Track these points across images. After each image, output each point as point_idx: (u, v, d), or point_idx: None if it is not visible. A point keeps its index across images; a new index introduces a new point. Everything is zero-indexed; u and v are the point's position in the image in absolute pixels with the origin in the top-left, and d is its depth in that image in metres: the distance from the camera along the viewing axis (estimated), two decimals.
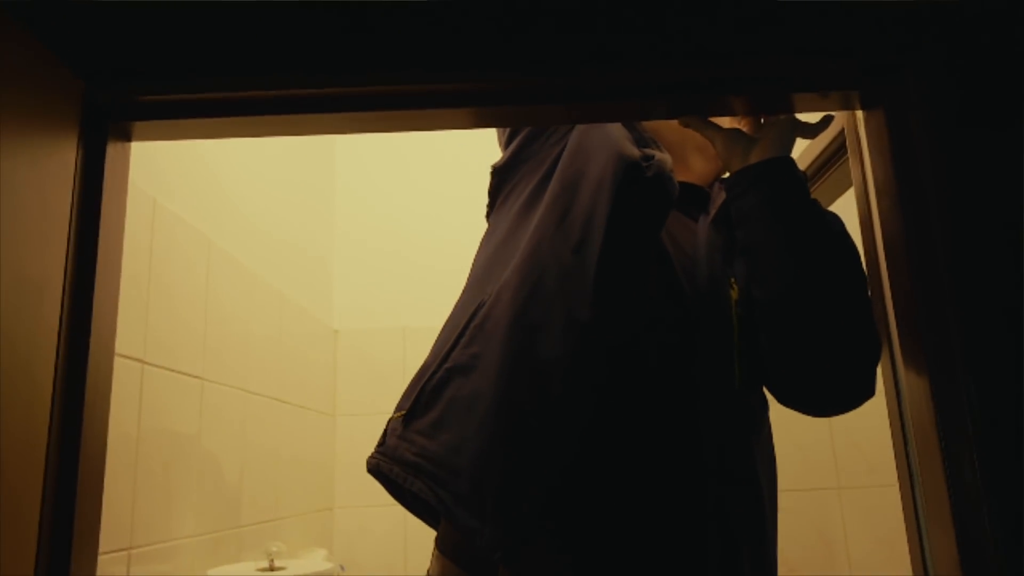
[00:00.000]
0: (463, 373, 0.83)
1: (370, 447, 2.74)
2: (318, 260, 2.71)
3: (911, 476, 0.91)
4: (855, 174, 1.38)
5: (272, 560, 1.55)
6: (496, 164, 1.01)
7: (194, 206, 1.61)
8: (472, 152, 2.91)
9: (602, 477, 0.81)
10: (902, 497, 0.94)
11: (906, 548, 0.93)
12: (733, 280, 0.91)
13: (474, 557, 0.81)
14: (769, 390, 0.91)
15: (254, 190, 2.04)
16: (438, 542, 0.89)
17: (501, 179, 1.01)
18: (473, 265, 1.00)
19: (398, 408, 0.91)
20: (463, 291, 0.97)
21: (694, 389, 0.84)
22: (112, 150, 0.85)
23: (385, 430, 0.91)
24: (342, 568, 2.37)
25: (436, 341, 0.94)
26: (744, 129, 0.90)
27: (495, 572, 0.79)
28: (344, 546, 2.63)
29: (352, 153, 3.02)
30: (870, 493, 2.38)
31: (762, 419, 0.92)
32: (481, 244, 1.01)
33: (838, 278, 0.84)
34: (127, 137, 0.88)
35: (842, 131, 1.43)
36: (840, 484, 2.41)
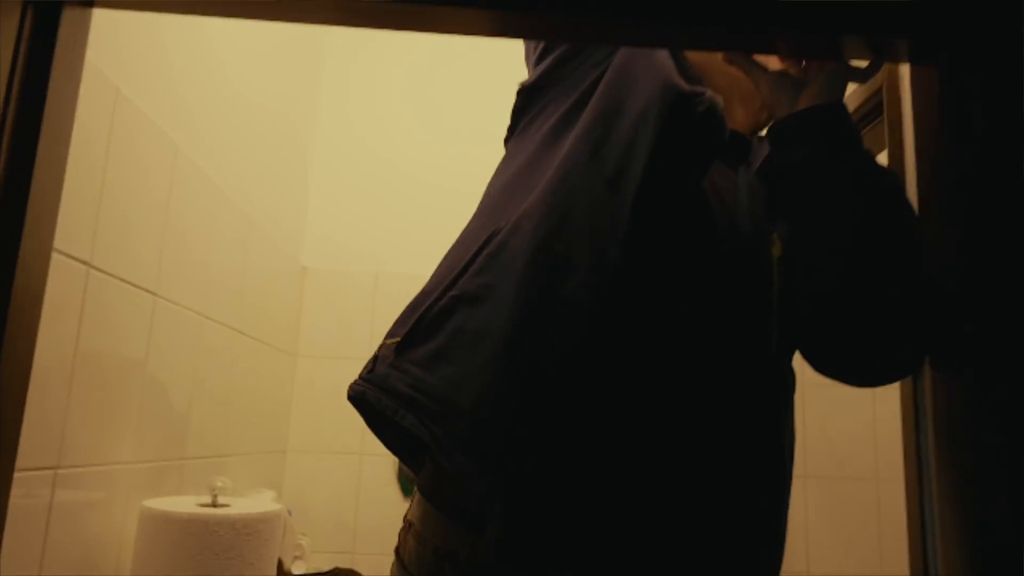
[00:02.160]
0: (471, 303, 0.76)
1: (331, 391, 2.62)
2: (292, 189, 2.58)
3: (920, 468, 0.85)
4: (891, 138, 1.30)
5: (216, 496, 1.45)
6: (524, 83, 0.92)
7: (163, 105, 1.47)
8: (473, 87, 2.85)
9: (622, 450, 0.72)
10: (907, 490, 0.87)
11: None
12: (776, 236, 0.84)
13: (464, 504, 0.74)
14: (805, 356, 0.83)
15: (231, 100, 1.90)
16: (421, 485, 0.81)
17: (528, 100, 0.92)
18: (487, 192, 0.91)
19: (390, 335, 0.82)
20: (472, 218, 0.88)
21: (728, 350, 0.77)
22: (69, 15, 0.74)
23: (374, 357, 0.82)
24: (289, 512, 2.28)
25: (438, 268, 0.85)
26: (792, 72, 0.81)
27: (484, 521, 0.71)
28: (293, 491, 2.54)
29: (341, 78, 2.88)
30: (836, 485, 2.36)
31: (792, 390, 0.85)
32: (497, 170, 0.93)
33: (893, 240, 0.75)
34: (88, 1, 0.77)
35: (879, 90, 1.35)
36: (807, 473, 2.38)
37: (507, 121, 0.95)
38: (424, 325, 0.78)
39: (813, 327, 0.80)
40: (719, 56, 0.89)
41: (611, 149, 0.76)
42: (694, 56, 0.86)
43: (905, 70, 1.10)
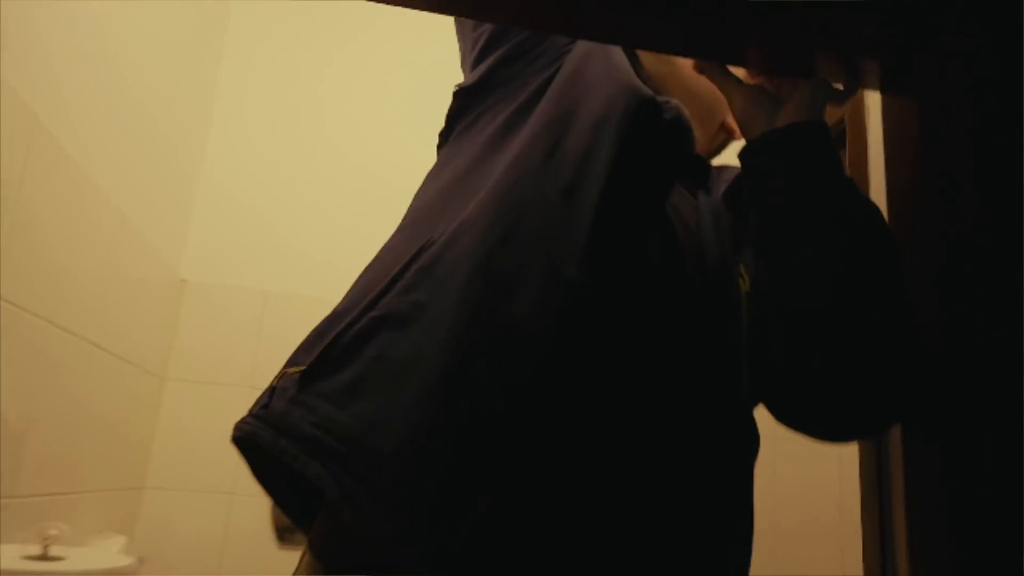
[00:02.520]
0: (398, 325, 0.66)
1: (202, 420, 2.26)
2: (176, 189, 2.32)
3: (879, 484, 0.76)
4: (854, 173, 1.23)
5: (47, 546, 1.17)
6: (462, 85, 0.86)
7: (21, 63, 1.22)
8: (384, 96, 2.68)
9: (580, 496, 0.64)
10: (864, 511, 0.79)
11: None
12: (743, 269, 0.79)
13: (370, 570, 0.64)
14: (770, 404, 0.77)
15: (113, 78, 1.65)
16: (314, 543, 0.70)
17: (466, 103, 0.85)
18: (415, 202, 0.83)
19: (292, 362, 0.71)
20: (397, 231, 0.80)
21: (697, 393, 0.71)
22: None
23: (270, 389, 0.70)
24: (141, 562, 1.96)
25: (354, 286, 0.75)
26: (768, 88, 0.77)
27: None
28: (149, 535, 2.22)
29: (240, 73, 2.65)
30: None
31: (758, 443, 0.77)
32: (428, 178, 0.85)
33: (879, 279, 0.70)
34: None
35: (839, 121, 1.28)
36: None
37: (423, 131, 0.92)
38: (336, 351, 0.67)
39: (785, 373, 0.73)
40: (678, 67, 0.85)
41: (566, 156, 0.70)
42: (650, 66, 0.82)
43: (872, 102, 1.03)
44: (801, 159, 0.72)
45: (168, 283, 2.30)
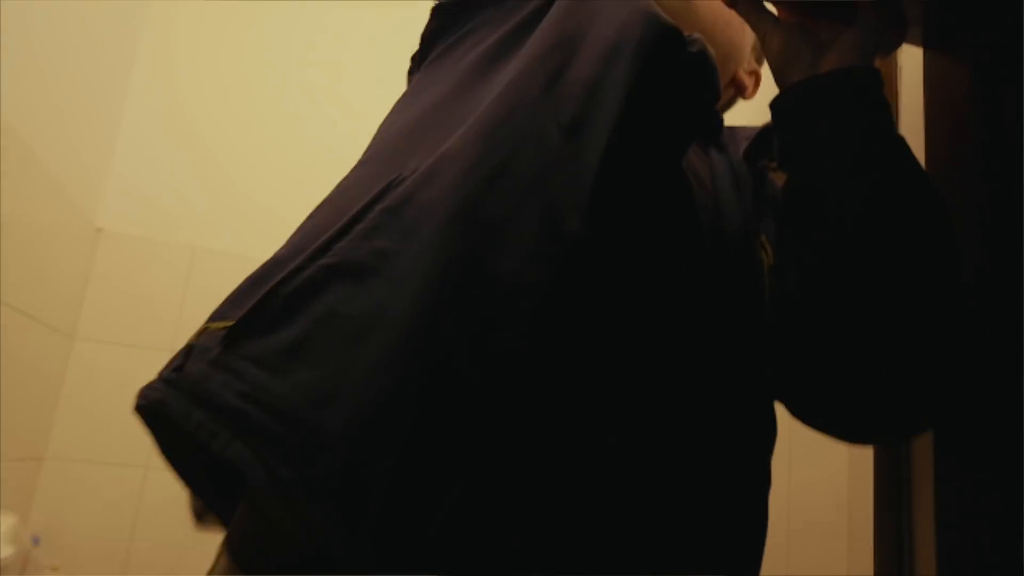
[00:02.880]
0: (355, 276, 0.55)
1: (115, 385, 2.00)
2: (96, 125, 2.07)
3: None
4: None
5: None
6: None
7: None
8: (340, 40, 2.45)
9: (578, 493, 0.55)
10: (877, 511, 0.74)
11: None
12: (765, 240, 0.70)
13: None
14: (786, 400, 0.69)
15: None
16: (232, 542, 0.60)
17: (446, 20, 0.75)
18: (379, 134, 0.73)
19: (217, 316, 0.60)
20: (357, 166, 0.69)
21: (710, 376, 0.63)
22: None
23: (187, 348, 0.59)
24: (36, 541, 1.74)
25: (299, 230, 0.65)
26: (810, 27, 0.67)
27: None
28: (48, 511, 2.00)
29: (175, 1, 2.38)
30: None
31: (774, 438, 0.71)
32: (396, 108, 0.75)
33: (934, 264, 0.62)
34: None
35: None
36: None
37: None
38: (275, 304, 0.56)
39: (808, 363, 0.66)
40: (695, 1, 0.78)
41: (570, 87, 0.60)
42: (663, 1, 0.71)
43: (907, 60, 0.94)
44: (850, 112, 0.62)
45: (81, 231, 2.06)
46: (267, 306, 0.55)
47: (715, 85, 0.63)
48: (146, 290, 2.19)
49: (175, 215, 2.26)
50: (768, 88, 0.93)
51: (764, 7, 0.69)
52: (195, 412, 0.53)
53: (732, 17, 0.83)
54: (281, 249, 0.62)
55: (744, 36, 0.86)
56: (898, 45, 0.68)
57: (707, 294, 0.64)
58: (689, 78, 0.62)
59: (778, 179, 0.85)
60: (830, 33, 0.65)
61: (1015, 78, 0.66)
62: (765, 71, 0.92)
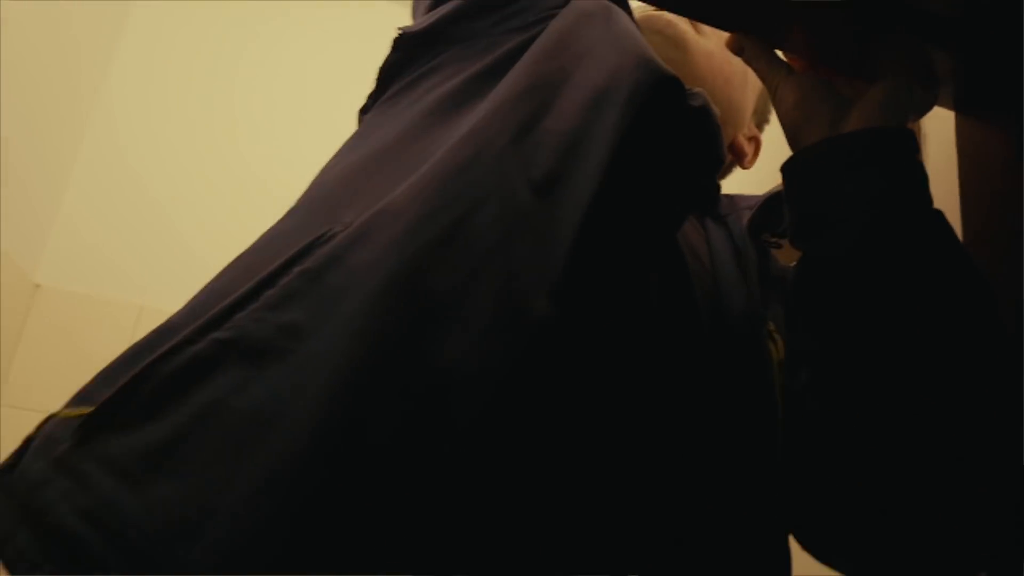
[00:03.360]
0: (254, 359, 0.44)
1: None
2: (40, 176, 1.94)
3: None
4: None
5: None
6: (407, 30, 0.67)
7: None
8: (292, 98, 2.36)
9: None
10: None
11: None
12: (773, 329, 0.61)
13: None
14: (797, 532, 0.58)
15: None
16: None
17: (410, 55, 0.66)
18: (317, 178, 0.63)
19: (78, 398, 0.48)
20: (287, 214, 0.59)
21: (711, 503, 0.53)
22: None
23: (26, 440, 0.47)
24: None
25: (200, 292, 0.53)
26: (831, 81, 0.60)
27: None
28: None
29: (145, 38, 2.29)
30: None
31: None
32: (342, 150, 0.65)
33: (978, 357, 0.51)
34: None
35: None
36: None
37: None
38: (148, 388, 0.44)
39: (828, 493, 0.55)
40: (693, 55, 0.71)
41: (545, 137, 0.51)
42: (656, 48, 0.63)
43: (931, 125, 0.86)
44: (877, 179, 0.53)
45: (15, 286, 1.92)
46: (138, 390, 0.43)
47: (718, 147, 0.54)
48: (87, 352, 2.02)
49: (122, 272, 2.12)
50: (768, 156, 0.84)
51: (776, 55, 0.61)
52: (19, 533, 0.40)
53: (732, 75, 0.74)
54: (176, 314, 0.51)
55: (745, 96, 0.77)
56: (930, 107, 0.60)
57: (706, 397, 0.55)
58: (689, 136, 0.54)
59: (783, 257, 0.74)
60: (852, 89, 0.58)
61: None
62: (767, 137, 0.83)
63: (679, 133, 0.54)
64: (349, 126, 0.68)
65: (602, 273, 0.50)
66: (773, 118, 0.86)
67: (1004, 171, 0.60)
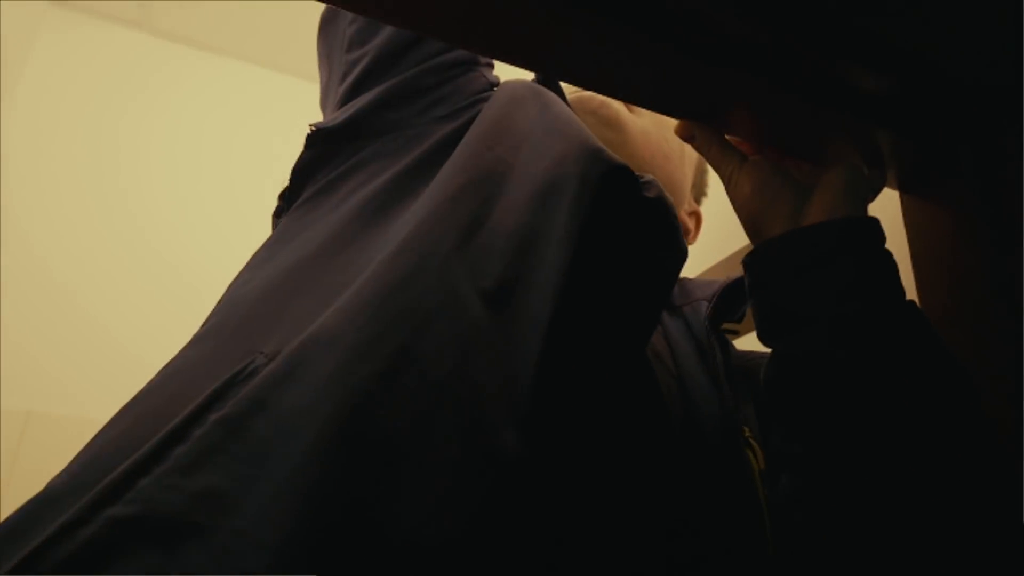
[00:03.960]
0: (163, 541, 0.34)
1: None
2: None
3: None
4: None
5: None
6: (321, 125, 0.60)
7: None
8: (207, 181, 2.30)
9: None
10: None
11: None
12: (749, 434, 0.56)
13: None
14: None
15: None
16: None
17: (326, 152, 0.59)
18: (227, 295, 0.54)
19: None
20: (191, 343, 0.49)
21: None
22: None
23: None
24: None
25: (91, 444, 0.43)
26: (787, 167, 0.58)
27: None
28: None
29: (28, 135, 2.14)
30: None
31: None
32: (253, 262, 0.56)
33: (965, 451, 0.48)
34: None
35: None
36: None
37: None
38: None
39: None
40: (630, 135, 0.68)
41: (493, 240, 0.46)
42: (591, 129, 0.58)
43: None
44: (849, 273, 0.50)
45: None
46: None
47: (679, 241, 0.49)
48: None
49: (6, 377, 1.93)
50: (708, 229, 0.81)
51: (728, 142, 0.58)
52: None
53: (671, 152, 0.71)
54: (58, 477, 0.40)
55: (684, 172, 0.74)
56: (882, 187, 0.57)
57: (687, 518, 0.49)
58: (646, 230, 0.49)
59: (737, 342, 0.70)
60: (808, 176, 0.55)
61: (1002, 221, 0.55)
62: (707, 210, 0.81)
63: (634, 227, 0.49)
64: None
65: (571, 393, 0.43)
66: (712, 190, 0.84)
67: (956, 246, 0.58)
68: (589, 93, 0.69)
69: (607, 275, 0.47)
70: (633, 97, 0.55)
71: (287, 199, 0.60)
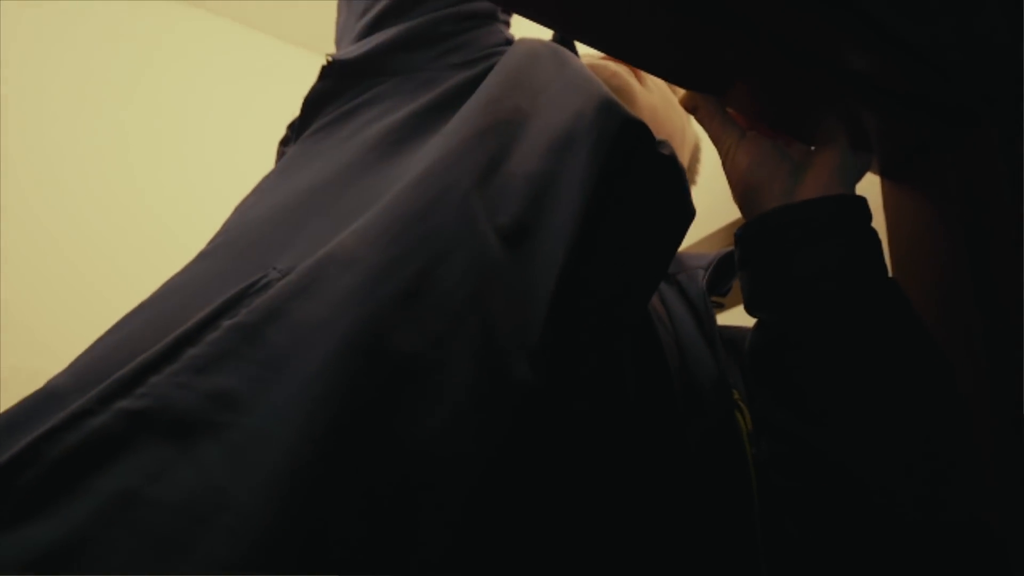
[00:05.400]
0: (176, 435, 0.34)
1: None
2: None
3: None
4: None
5: None
6: (338, 57, 0.61)
7: None
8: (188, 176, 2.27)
9: None
10: None
11: None
12: (739, 397, 0.58)
13: None
14: None
15: None
16: None
17: (340, 84, 0.60)
18: (232, 218, 0.55)
19: None
20: (196, 259, 0.49)
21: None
22: None
23: None
24: None
25: (94, 346, 0.43)
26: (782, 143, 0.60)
27: None
28: None
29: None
30: None
31: None
32: (260, 187, 0.57)
33: (944, 438, 0.50)
34: None
35: None
36: None
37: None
38: (34, 475, 0.33)
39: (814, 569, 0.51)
40: (636, 94, 0.69)
41: (511, 181, 0.46)
42: None
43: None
44: (838, 250, 0.52)
45: None
46: (19, 477, 0.33)
47: (687, 200, 0.50)
48: None
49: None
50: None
51: (729, 117, 0.59)
52: None
53: (674, 131, 0.72)
54: (59, 376, 0.40)
55: (684, 155, 0.75)
56: (866, 170, 0.59)
57: (682, 471, 0.50)
58: (658, 186, 0.50)
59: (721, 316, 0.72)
60: (803, 154, 0.57)
61: (981, 208, 0.57)
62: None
63: (645, 182, 0.50)
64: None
65: (580, 336, 0.45)
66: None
67: (934, 231, 0.60)
68: (603, 61, 0.71)
69: (619, 226, 0.48)
70: (642, 61, 0.57)
71: (296, 130, 0.61)
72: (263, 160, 0.66)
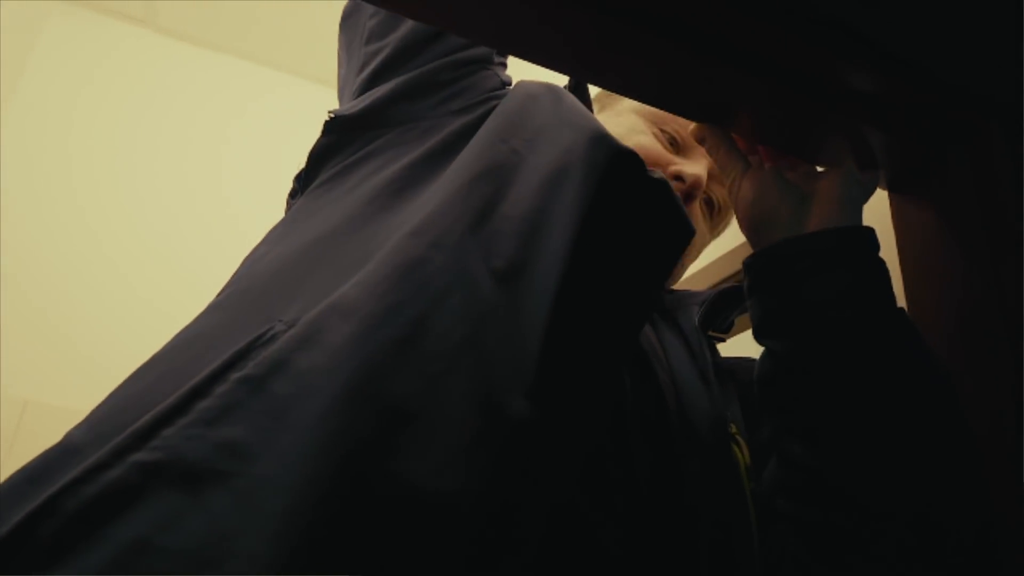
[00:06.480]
0: (187, 486, 0.36)
1: None
2: None
3: None
4: None
5: None
6: (339, 112, 0.63)
7: None
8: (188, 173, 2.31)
9: None
10: None
11: None
12: (735, 430, 0.59)
13: None
14: None
15: None
16: None
17: (343, 138, 0.62)
18: (242, 269, 0.57)
19: None
20: (208, 310, 0.51)
21: None
22: None
23: None
24: None
25: (108, 399, 0.45)
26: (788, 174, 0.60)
27: None
28: None
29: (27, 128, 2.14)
30: None
31: None
32: (268, 239, 0.59)
33: (948, 467, 0.50)
34: None
35: None
36: None
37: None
38: (52, 527, 0.35)
39: None
40: (632, 133, 0.68)
41: (504, 223, 0.48)
42: None
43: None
44: (845, 280, 0.52)
45: None
46: (38, 529, 0.35)
47: (684, 220, 0.51)
48: None
49: (4, 366, 1.93)
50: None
51: (735, 147, 0.60)
52: None
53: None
54: (76, 428, 0.42)
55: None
56: (873, 190, 0.60)
57: (679, 505, 0.50)
58: (650, 211, 0.51)
59: (722, 347, 0.73)
60: (807, 183, 0.58)
61: (991, 222, 0.57)
62: None
63: (639, 209, 0.51)
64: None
65: (577, 368, 0.45)
66: None
67: (945, 246, 0.60)
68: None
69: (614, 252, 0.49)
70: (640, 94, 0.58)
71: (302, 182, 0.63)
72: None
